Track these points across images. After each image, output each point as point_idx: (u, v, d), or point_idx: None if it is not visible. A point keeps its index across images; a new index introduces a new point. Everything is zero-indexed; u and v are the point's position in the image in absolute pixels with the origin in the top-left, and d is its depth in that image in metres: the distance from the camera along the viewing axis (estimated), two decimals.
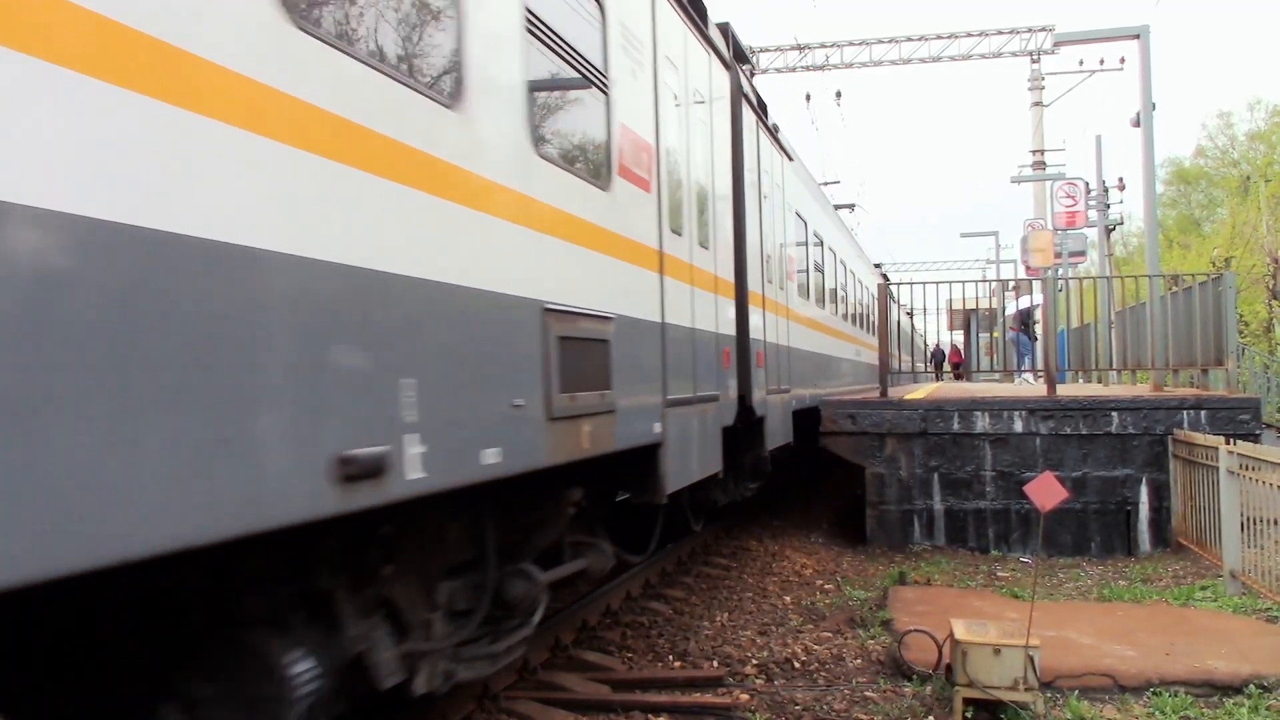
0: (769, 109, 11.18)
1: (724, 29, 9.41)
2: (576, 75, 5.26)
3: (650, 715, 5.78)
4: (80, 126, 2.22)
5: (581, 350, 4.99)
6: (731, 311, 8.48)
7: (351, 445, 3.07)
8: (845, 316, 17.26)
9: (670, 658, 6.96)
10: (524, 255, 4.39)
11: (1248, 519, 8.71)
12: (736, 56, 9.67)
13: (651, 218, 6.32)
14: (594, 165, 5.45)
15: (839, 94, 30.48)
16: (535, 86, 4.69)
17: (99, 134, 2.27)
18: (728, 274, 8.41)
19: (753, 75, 9.84)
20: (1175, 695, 5.99)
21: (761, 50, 27.80)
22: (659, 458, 6.23)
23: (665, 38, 6.93)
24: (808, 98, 30.08)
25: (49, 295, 2.14)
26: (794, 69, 28.29)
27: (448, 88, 3.85)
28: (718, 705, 5.88)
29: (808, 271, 13.15)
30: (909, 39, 27.88)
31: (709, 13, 8.48)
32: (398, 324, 3.38)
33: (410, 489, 3.43)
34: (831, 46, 28.10)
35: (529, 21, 4.61)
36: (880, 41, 27.96)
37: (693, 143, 7.52)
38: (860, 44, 28.00)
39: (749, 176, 9.43)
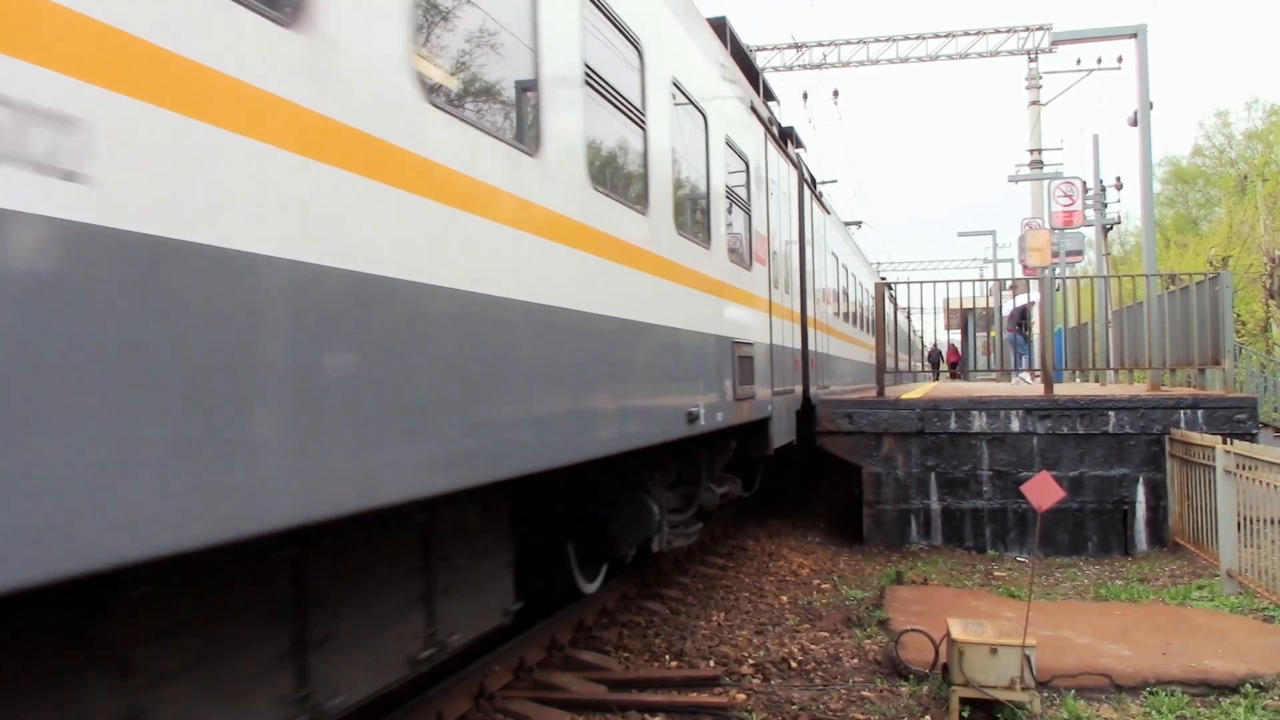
0: (817, 182, 16.09)
1: (789, 133, 13.41)
2: (741, 211, 9.24)
3: (647, 715, 5.77)
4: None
5: (744, 362, 8.66)
6: (799, 332, 12.25)
7: (689, 406, 6.86)
8: (861, 326, 20.64)
9: (667, 657, 6.96)
10: (726, 314, 8.18)
11: (1244, 518, 8.71)
12: (796, 146, 13.89)
13: (765, 280, 10.10)
14: (745, 258, 9.21)
15: (836, 93, 30.44)
16: (728, 224, 8.54)
17: None
18: (797, 307, 12.21)
19: (788, 139, 13.73)
20: (1171, 695, 5.99)
21: (759, 49, 27.75)
22: (769, 427, 9.81)
23: (770, 165, 10.91)
24: (805, 96, 30.03)
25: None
26: (790, 68, 28.26)
27: (703, 238, 7.58)
28: (714, 705, 5.88)
29: (837, 294, 17.07)
30: (906, 38, 27.86)
31: (785, 128, 13.18)
32: (701, 353, 7.31)
33: (702, 429, 7.19)
34: (829, 45, 28.08)
35: (727, 191, 8.53)
36: (877, 40, 27.93)
37: (780, 224, 11.40)
38: (857, 43, 27.98)
39: (808, 236, 13.50)
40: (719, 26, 9.58)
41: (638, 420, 5.92)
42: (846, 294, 18.35)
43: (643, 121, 6.26)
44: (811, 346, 12.96)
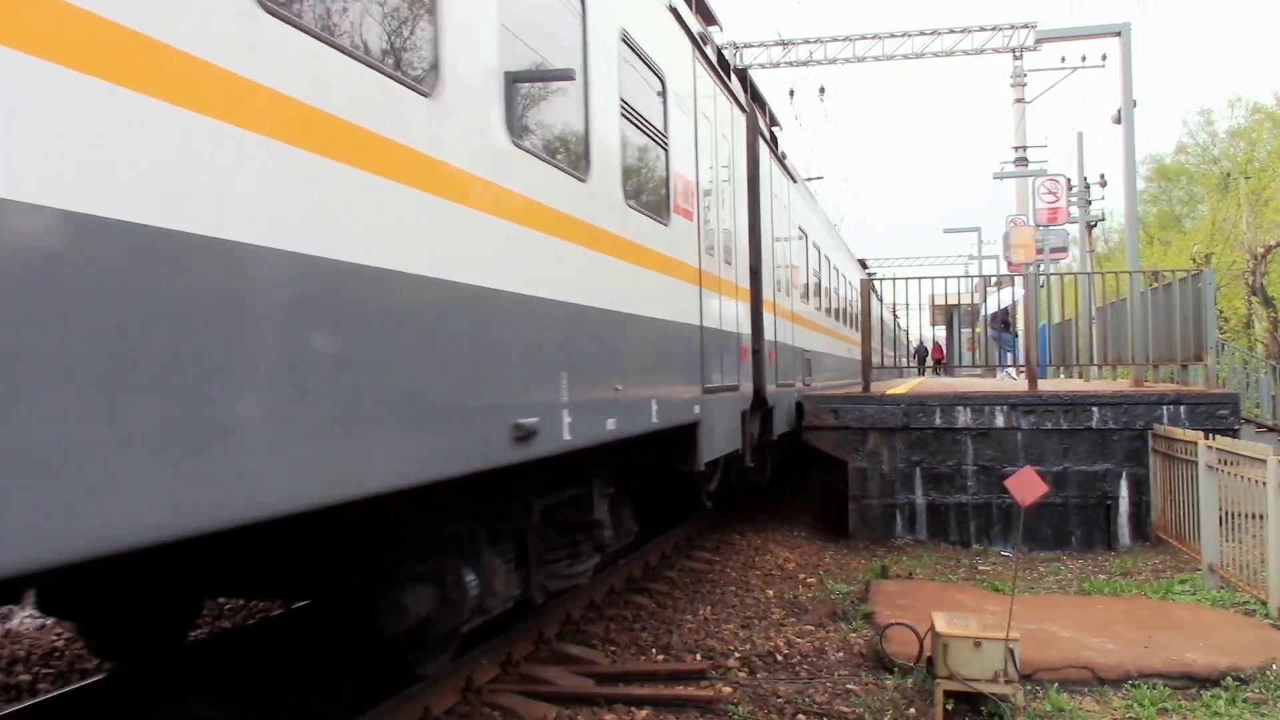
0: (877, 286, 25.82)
1: (867, 270, 23.40)
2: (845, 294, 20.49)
3: (633, 708, 5.79)
4: None
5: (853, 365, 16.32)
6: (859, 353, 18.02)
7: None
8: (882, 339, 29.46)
9: (653, 651, 6.97)
10: (852, 351, 17.75)
11: (1226, 513, 8.79)
12: (861, 264, 23.80)
13: (856, 335, 17.95)
14: (845, 320, 19.53)
15: (822, 90, 30.55)
16: (848, 307, 20.11)
17: None
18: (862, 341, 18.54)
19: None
20: (1153, 687, 6.04)
21: (745, 46, 27.79)
22: None
23: (851, 270, 21.82)
24: (791, 94, 30.14)
25: None
26: (777, 64, 28.27)
27: (847, 323, 19.44)
28: (700, 698, 5.90)
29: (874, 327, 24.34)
30: (892, 35, 27.89)
31: (868, 274, 26.04)
32: (850, 364, 17.83)
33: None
34: (815, 42, 28.09)
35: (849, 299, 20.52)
36: (864, 38, 27.95)
37: (856, 299, 19.88)
38: (844, 40, 28.00)
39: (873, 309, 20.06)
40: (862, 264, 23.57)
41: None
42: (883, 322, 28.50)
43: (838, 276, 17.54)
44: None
